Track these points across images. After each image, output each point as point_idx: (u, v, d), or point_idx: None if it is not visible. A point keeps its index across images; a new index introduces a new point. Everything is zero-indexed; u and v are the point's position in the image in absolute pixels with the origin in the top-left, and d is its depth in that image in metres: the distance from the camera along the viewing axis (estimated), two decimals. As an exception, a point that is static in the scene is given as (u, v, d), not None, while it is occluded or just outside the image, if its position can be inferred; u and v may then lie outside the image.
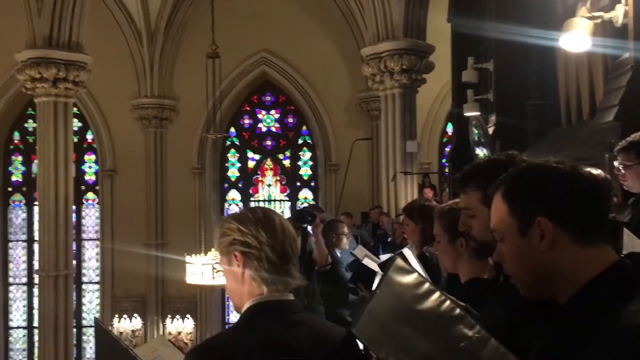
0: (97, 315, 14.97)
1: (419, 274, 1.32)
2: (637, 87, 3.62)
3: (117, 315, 14.38)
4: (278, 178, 15.41)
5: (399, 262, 1.35)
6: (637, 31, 3.69)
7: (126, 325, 14.37)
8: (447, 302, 1.27)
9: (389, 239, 8.92)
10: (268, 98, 15.34)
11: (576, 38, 3.87)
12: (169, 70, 14.21)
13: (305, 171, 15.35)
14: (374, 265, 3.99)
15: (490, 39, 6.62)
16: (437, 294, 1.28)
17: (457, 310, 1.25)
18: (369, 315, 1.34)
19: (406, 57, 10.39)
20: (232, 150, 15.51)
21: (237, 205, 15.46)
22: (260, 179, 15.44)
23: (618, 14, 3.87)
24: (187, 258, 9.65)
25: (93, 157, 15.39)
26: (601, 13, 4.00)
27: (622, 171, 2.83)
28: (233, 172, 15.52)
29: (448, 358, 1.23)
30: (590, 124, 4.61)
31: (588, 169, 1.28)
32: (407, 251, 3.21)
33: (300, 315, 1.65)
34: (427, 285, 1.30)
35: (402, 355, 1.27)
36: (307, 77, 14.32)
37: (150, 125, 14.32)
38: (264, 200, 15.41)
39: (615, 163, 2.88)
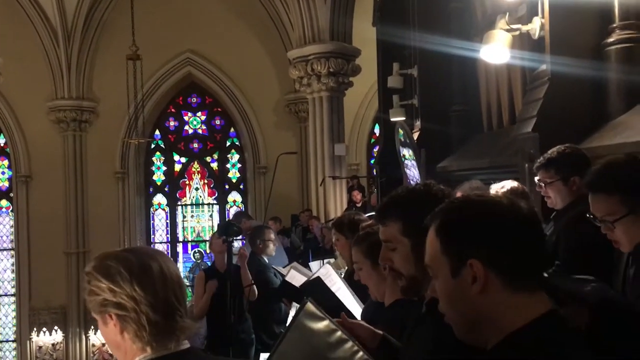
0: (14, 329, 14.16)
1: (331, 321, 1.26)
2: (554, 99, 3.72)
3: (35, 329, 13.65)
4: (206, 181, 15.10)
5: (310, 307, 1.29)
6: (553, 44, 3.78)
7: (46, 339, 13.66)
8: (360, 353, 1.22)
9: (320, 244, 8.89)
10: (194, 100, 14.99)
11: (495, 50, 3.94)
12: (88, 71, 13.59)
13: (233, 174, 15.11)
14: (300, 280, 3.93)
15: (414, 45, 6.70)
16: (349, 344, 1.23)
17: None
18: (280, 357, 1.28)
19: (333, 60, 10.42)
20: (158, 153, 15.05)
21: (163, 210, 15.04)
22: (187, 182, 15.07)
23: (535, 27, 3.96)
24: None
25: (6, 162, 14.53)
26: (519, 25, 4.09)
27: (544, 188, 2.87)
28: (159, 176, 15.07)
29: None
30: (510, 132, 4.72)
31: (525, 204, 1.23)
32: (325, 270, 3.15)
33: None
34: (338, 333, 1.25)
35: None
36: (233, 78, 14.09)
37: (69, 128, 13.65)
38: (192, 204, 15.07)
39: (536, 179, 2.92)
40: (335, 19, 10.34)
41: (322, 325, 1.26)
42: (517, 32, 4.02)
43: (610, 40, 3.55)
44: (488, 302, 1.14)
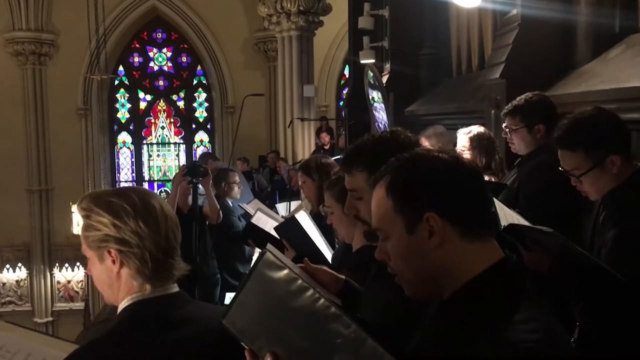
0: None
1: (290, 269, 1.25)
2: (523, 45, 3.70)
3: (-2, 266, 13.55)
4: (172, 120, 14.84)
5: (269, 256, 1.27)
6: (525, -13, 3.73)
7: (10, 275, 13.58)
8: (322, 300, 1.21)
9: (287, 186, 8.89)
10: (159, 35, 14.50)
11: (468, -7, 3.87)
12: (47, 1, 12.95)
13: (200, 113, 14.86)
14: (266, 221, 3.93)
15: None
16: (310, 292, 1.22)
17: (333, 309, 1.20)
18: (240, 307, 1.27)
19: (303, -3, 10.15)
20: (122, 90, 14.66)
21: (128, 148, 14.79)
22: (153, 120, 14.78)
23: (508, -30, 3.90)
24: (74, 207, 9.11)
25: (-38, 95, 13.98)
26: (492, -32, 4.02)
27: (509, 135, 2.90)
28: (123, 114, 14.73)
29: (325, 353, 1.19)
30: (479, 77, 4.71)
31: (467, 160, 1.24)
32: (302, 215, 3.15)
33: (187, 310, 1.49)
34: (299, 282, 1.24)
35: (277, 348, 1.21)
36: (200, 13, 13.63)
37: (28, 61, 13.12)
38: (158, 143, 14.85)
39: (503, 126, 2.95)
40: (306, -46, 10.01)
41: (281, 274, 1.25)
42: (490, -25, 3.95)
43: (582, -14, 3.52)
44: (445, 254, 1.15)
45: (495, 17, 4.62)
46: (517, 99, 2.86)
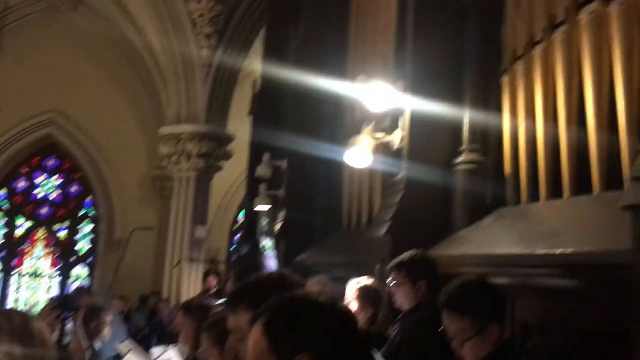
0: None
1: None
2: (407, 206, 3.97)
3: None
4: (51, 250, 13.93)
5: None
6: (411, 154, 4.09)
7: None
8: None
9: (167, 329, 8.40)
10: (51, 162, 14.08)
11: (359, 155, 4.18)
12: None
13: (82, 246, 14.10)
14: (139, 366, 3.65)
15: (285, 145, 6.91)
16: None
17: None
18: None
19: (206, 142, 10.43)
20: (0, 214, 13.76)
21: (-5, 277, 13.55)
22: (28, 250, 13.80)
23: (396, 139, 4.28)
24: None
25: None
26: (382, 134, 4.40)
27: (394, 289, 3.00)
28: (-5, 239, 13.68)
29: None
30: (367, 233, 4.92)
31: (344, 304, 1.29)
32: (170, 356, 2.97)
33: None
34: None
35: None
36: (100, 146, 13.52)
37: None
38: (29, 274, 13.74)
39: (388, 281, 3.05)
40: (213, 101, 10.47)
41: None
42: (380, 141, 4.31)
43: (459, 160, 3.91)
44: None
45: (384, 179, 4.96)
46: (402, 255, 3.01)
